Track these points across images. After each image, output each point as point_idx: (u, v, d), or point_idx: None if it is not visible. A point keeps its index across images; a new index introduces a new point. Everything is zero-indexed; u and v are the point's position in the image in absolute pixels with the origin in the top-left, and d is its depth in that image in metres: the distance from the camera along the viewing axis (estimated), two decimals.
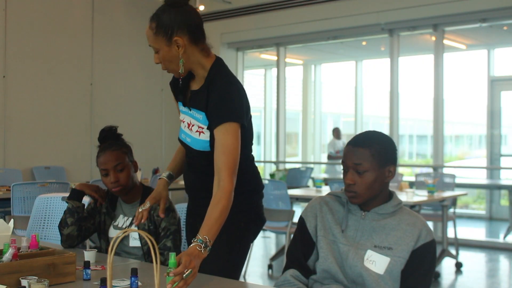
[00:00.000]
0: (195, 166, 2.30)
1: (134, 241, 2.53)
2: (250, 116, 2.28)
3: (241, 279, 2.39)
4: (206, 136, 2.20)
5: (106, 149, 2.53)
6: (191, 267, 1.79)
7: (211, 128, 2.18)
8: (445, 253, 5.77)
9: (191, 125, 2.25)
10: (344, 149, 1.96)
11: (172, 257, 1.71)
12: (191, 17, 2.15)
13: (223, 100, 2.13)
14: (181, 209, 2.80)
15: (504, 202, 9.33)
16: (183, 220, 2.71)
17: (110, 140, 2.57)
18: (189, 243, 2.46)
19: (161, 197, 2.36)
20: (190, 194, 2.41)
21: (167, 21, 2.11)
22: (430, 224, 6.20)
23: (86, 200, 2.64)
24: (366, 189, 1.89)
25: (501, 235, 7.88)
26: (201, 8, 8.62)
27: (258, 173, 2.38)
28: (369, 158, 1.88)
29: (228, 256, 2.25)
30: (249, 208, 2.30)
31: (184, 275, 1.76)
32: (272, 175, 8.01)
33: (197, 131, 2.22)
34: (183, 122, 2.30)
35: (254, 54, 10.03)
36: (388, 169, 1.92)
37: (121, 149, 2.54)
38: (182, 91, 2.29)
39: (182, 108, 2.31)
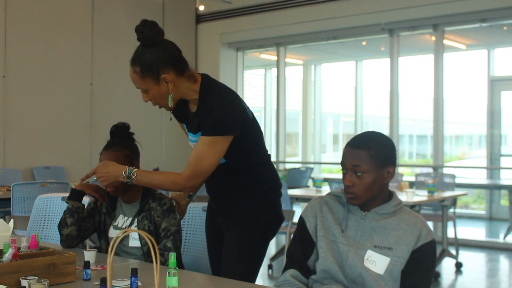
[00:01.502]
0: (214, 173, 2.32)
1: (134, 241, 2.52)
2: (252, 117, 2.32)
3: None
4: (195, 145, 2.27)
5: (108, 148, 2.53)
6: (96, 176, 2.29)
7: None
8: (445, 253, 5.77)
9: None
10: (343, 150, 1.96)
11: (172, 257, 1.71)
12: (171, 52, 2.20)
13: (214, 117, 2.18)
14: None
15: (504, 202, 9.32)
16: (188, 220, 2.73)
17: (118, 137, 2.56)
18: (208, 237, 2.54)
19: (178, 201, 2.58)
20: (211, 194, 2.48)
21: (150, 61, 2.16)
22: (430, 224, 6.20)
23: (86, 200, 2.64)
24: (364, 191, 1.89)
25: (501, 235, 7.88)
26: (201, 8, 8.62)
27: (276, 171, 2.44)
28: (368, 159, 1.88)
29: (249, 254, 2.33)
30: (268, 207, 2.36)
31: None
32: None
33: None
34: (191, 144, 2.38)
35: (254, 54, 10.03)
36: (387, 170, 1.92)
37: (122, 151, 2.51)
38: (185, 116, 2.37)
39: (187, 130, 2.39)
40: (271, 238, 2.44)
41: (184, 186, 2.21)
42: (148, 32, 2.15)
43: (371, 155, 1.88)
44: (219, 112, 2.17)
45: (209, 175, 2.37)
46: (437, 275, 5.51)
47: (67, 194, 2.61)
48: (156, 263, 1.48)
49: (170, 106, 2.23)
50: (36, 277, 1.80)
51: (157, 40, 2.17)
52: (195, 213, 2.76)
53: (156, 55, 2.16)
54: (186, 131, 2.41)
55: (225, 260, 2.33)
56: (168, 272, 1.72)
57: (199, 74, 2.30)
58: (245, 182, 2.32)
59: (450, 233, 6.26)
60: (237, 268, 2.27)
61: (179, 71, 2.21)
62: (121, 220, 2.57)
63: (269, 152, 2.43)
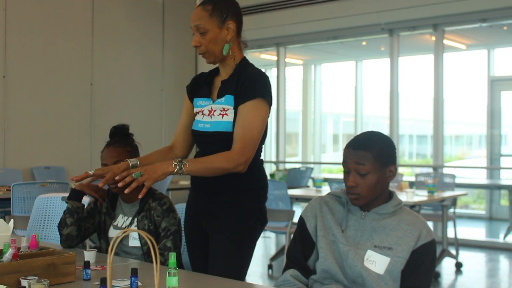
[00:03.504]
0: (208, 154, 2.26)
1: (134, 241, 2.52)
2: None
3: None
4: (229, 117, 2.26)
5: (110, 145, 2.56)
6: (143, 171, 2.05)
7: (237, 107, 2.24)
8: (445, 253, 5.77)
9: (212, 111, 2.30)
10: (344, 151, 1.95)
11: (172, 257, 1.71)
12: (240, 10, 2.35)
13: (254, 80, 2.24)
14: (181, 209, 2.79)
15: (504, 202, 9.32)
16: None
17: (119, 137, 2.58)
18: (191, 241, 2.46)
19: (109, 172, 2.21)
20: (195, 187, 2.38)
21: (223, 5, 2.27)
22: (430, 224, 6.20)
23: (86, 200, 2.64)
24: (368, 191, 1.90)
25: (501, 235, 7.88)
26: None
27: (265, 175, 2.44)
28: (371, 160, 1.89)
29: (239, 253, 2.29)
30: (257, 207, 2.34)
31: (133, 174, 2.05)
32: (272, 175, 8.01)
33: (219, 114, 2.28)
34: (199, 113, 2.36)
35: (254, 54, 10.03)
36: (389, 169, 1.93)
37: (125, 147, 2.54)
38: (209, 84, 2.37)
39: (198, 103, 2.37)
40: (258, 239, 2.40)
41: (238, 160, 2.15)
42: None
43: (374, 155, 1.89)
44: (260, 78, 2.25)
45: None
46: (437, 275, 5.51)
47: (67, 194, 2.61)
48: (156, 263, 1.48)
49: (224, 54, 2.29)
50: (36, 277, 1.80)
51: None
52: None
53: (230, 4, 2.29)
54: (198, 106, 2.36)
55: (215, 259, 2.29)
56: (168, 272, 1.72)
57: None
58: (239, 176, 2.25)
59: (450, 233, 6.26)
60: (226, 268, 2.23)
61: (239, 30, 2.33)
62: (121, 220, 2.57)
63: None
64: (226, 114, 2.26)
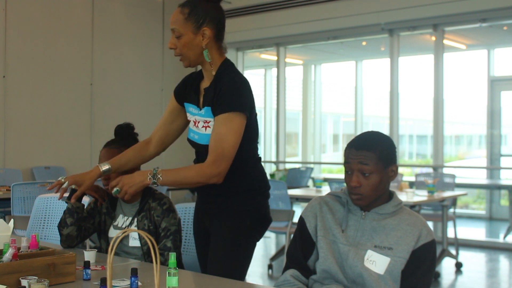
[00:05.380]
0: (201, 162, 2.29)
1: (134, 241, 2.52)
2: (256, 114, 2.33)
3: None
4: (211, 129, 2.26)
5: (107, 145, 2.57)
6: (119, 186, 2.19)
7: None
8: (445, 253, 5.77)
9: (197, 122, 2.31)
10: (346, 151, 1.95)
11: (172, 257, 1.71)
12: (221, 15, 2.28)
13: (227, 92, 2.20)
14: (181, 209, 2.80)
15: (504, 202, 9.32)
16: (188, 220, 2.72)
17: (121, 136, 2.59)
18: (196, 241, 2.50)
19: (83, 183, 2.38)
20: (199, 191, 2.44)
21: (201, 11, 2.22)
22: (430, 224, 6.20)
23: (86, 200, 2.64)
24: (372, 191, 1.90)
25: (501, 235, 7.88)
26: None
27: (265, 173, 2.43)
28: (375, 160, 1.89)
29: (235, 253, 2.29)
30: (254, 207, 2.34)
31: (113, 192, 2.20)
32: (272, 175, 8.01)
33: (203, 126, 2.29)
34: (191, 121, 2.37)
35: (254, 54, 10.03)
36: (391, 169, 1.93)
37: (120, 149, 2.53)
38: (196, 90, 2.35)
39: (189, 109, 2.37)
40: (258, 239, 2.39)
41: (210, 174, 2.16)
42: None
43: (378, 155, 1.89)
44: (233, 89, 2.20)
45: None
46: (437, 275, 5.51)
47: (67, 194, 2.61)
48: (156, 263, 1.48)
49: (207, 60, 2.26)
50: (36, 277, 1.80)
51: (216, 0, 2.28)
52: None
53: (209, 9, 2.23)
54: (189, 112, 2.37)
55: (211, 259, 2.31)
56: (168, 272, 1.72)
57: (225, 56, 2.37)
58: (234, 177, 2.27)
59: (450, 233, 6.26)
60: (223, 267, 2.24)
61: (218, 36, 2.27)
62: (121, 220, 2.57)
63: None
64: (208, 126, 2.26)
